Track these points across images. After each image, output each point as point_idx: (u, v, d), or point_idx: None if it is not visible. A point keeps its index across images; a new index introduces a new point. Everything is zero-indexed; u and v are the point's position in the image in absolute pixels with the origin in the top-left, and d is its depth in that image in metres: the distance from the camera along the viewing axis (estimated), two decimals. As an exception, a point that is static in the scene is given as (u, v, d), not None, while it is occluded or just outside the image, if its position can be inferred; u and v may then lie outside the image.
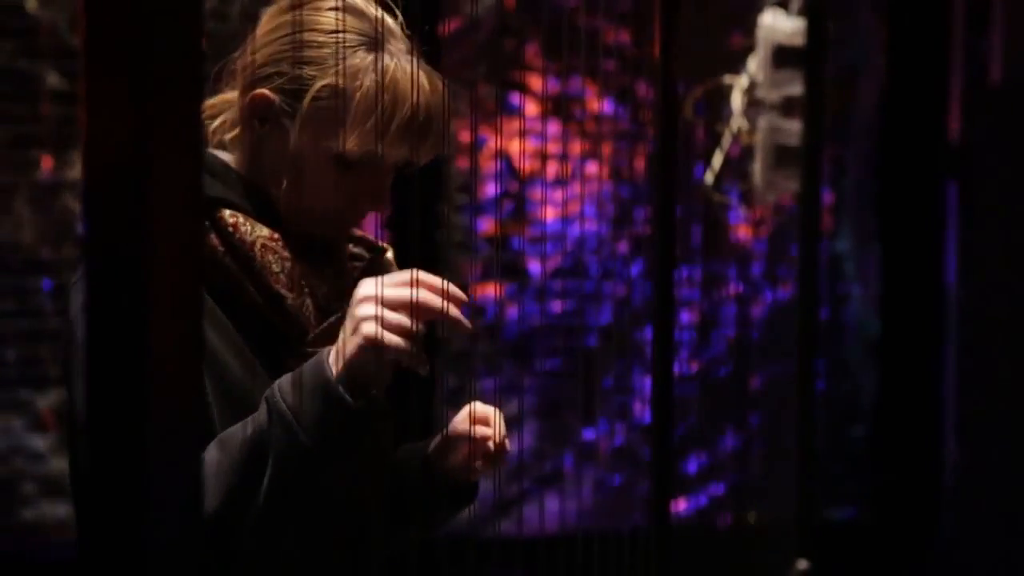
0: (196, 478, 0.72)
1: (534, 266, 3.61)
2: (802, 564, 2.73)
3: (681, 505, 3.56)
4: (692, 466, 3.56)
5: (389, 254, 1.63)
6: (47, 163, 3.34)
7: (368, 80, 1.47)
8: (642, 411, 3.60)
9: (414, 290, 1.37)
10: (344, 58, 1.47)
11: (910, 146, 3.88)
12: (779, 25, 2.83)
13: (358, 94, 1.46)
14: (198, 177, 0.69)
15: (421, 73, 1.49)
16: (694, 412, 3.39)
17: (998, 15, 3.78)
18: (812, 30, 2.73)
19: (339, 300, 1.51)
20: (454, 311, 1.39)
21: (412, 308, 1.36)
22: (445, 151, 1.57)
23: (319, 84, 1.47)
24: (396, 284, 1.38)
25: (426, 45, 1.54)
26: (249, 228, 1.49)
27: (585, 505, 3.59)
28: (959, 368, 3.85)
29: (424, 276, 1.39)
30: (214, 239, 1.48)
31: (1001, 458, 3.75)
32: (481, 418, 1.60)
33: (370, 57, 1.48)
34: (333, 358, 1.38)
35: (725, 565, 2.94)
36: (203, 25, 0.68)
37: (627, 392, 3.62)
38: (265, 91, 1.50)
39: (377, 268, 1.58)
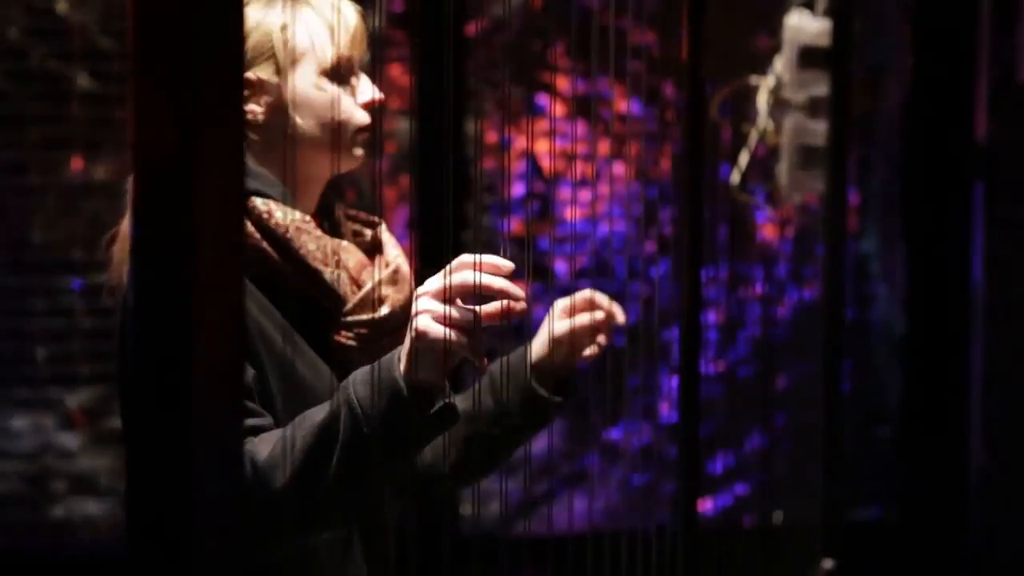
0: (238, 461, 0.74)
1: (560, 266, 3.62)
2: (827, 564, 2.74)
3: (707, 505, 3.57)
4: (718, 466, 3.56)
5: (383, 227, 1.73)
6: (77, 164, 3.36)
7: (305, 8, 1.64)
8: (667, 411, 3.61)
9: (450, 276, 1.44)
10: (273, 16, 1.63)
11: (936, 146, 3.87)
12: (805, 26, 2.83)
13: (308, 20, 1.63)
14: (240, 175, 0.71)
15: None
16: (720, 412, 3.40)
17: (1025, 14, 3.78)
18: (838, 30, 2.73)
19: (365, 270, 1.63)
20: (499, 283, 1.45)
21: (447, 293, 1.43)
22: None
23: (277, 29, 1.63)
24: (451, 272, 1.45)
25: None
26: (282, 213, 1.60)
27: (610, 504, 3.60)
28: (985, 368, 3.84)
29: (473, 257, 1.46)
30: (250, 228, 1.58)
31: (1027, 458, 3.74)
32: (583, 305, 1.76)
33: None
34: (403, 356, 1.45)
35: (750, 565, 2.94)
36: (243, 31, 0.70)
37: (652, 392, 3.62)
38: (248, 74, 1.62)
39: (378, 241, 1.70)
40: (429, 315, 1.43)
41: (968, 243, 3.85)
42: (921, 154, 3.89)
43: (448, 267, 1.45)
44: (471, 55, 3.31)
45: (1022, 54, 3.78)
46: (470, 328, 1.43)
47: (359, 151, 1.68)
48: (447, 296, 1.43)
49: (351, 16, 1.66)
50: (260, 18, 1.63)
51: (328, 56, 1.64)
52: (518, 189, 3.59)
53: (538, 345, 1.78)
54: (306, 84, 1.63)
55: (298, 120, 1.63)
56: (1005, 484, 3.79)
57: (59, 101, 3.34)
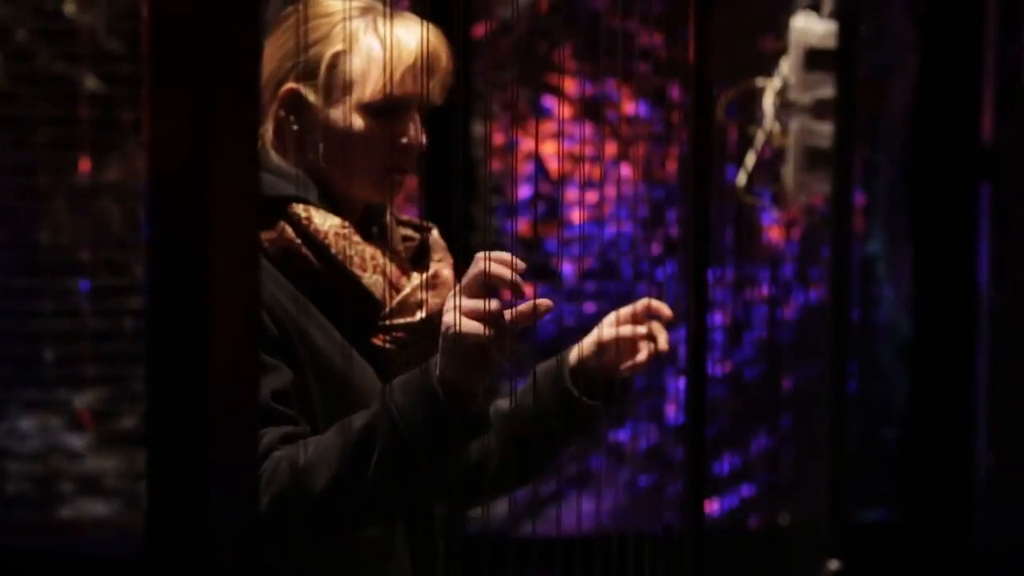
0: (252, 461, 0.75)
1: (567, 267, 3.62)
2: (833, 565, 2.74)
3: (713, 506, 3.57)
4: (724, 467, 3.56)
5: (435, 232, 1.75)
6: (85, 165, 3.37)
7: (370, 36, 1.63)
8: (673, 412, 3.61)
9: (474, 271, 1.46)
10: (346, 23, 1.62)
11: (942, 148, 3.88)
12: (811, 28, 2.84)
13: (365, 50, 1.62)
14: (255, 180, 0.72)
15: (415, 21, 1.64)
16: (726, 413, 3.40)
17: (1031, 16, 3.78)
18: (844, 32, 2.73)
19: (405, 276, 1.65)
20: (515, 277, 1.47)
21: (475, 287, 1.45)
22: (451, 89, 1.71)
23: (330, 52, 1.62)
24: (472, 281, 1.47)
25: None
26: (321, 219, 1.62)
27: (615, 505, 3.61)
28: (991, 369, 3.84)
29: (492, 253, 1.47)
30: (290, 233, 1.61)
31: (1033, 460, 3.75)
32: (629, 316, 1.76)
33: (366, 19, 1.64)
34: (440, 362, 1.47)
35: (756, 565, 2.95)
36: (260, 38, 0.71)
37: (658, 393, 3.63)
38: (290, 85, 1.63)
39: (426, 246, 1.72)
40: (455, 312, 1.44)
41: (974, 245, 3.85)
42: (927, 156, 3.90)
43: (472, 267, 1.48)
44: (479, 57, 3.31)
45: (1028, 56, 3.78)
46: (495, 321, 1.45)
47: (390, 186, 1.68)
48: (474, 291, 1.45)
49: (409, 48, 1.63)
50: (324, 35, 1.63)
51: (374, 91, 1.63)
52: (525, 191, 3.60)
53: (577, 349, 1.78)
54: (343, 114, 1.63)
55: (322, 146, 1.64)
56: (1010, 485, 3.79)
57: (67, 103, 3.35)
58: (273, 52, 1.66)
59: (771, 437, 3.60)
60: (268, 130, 1.67)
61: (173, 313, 0.73)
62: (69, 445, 3.39)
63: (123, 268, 3.37)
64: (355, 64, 1.62)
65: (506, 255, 1.47)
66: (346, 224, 1.63)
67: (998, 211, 3.82)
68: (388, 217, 1.71)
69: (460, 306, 1.45)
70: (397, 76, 1.62)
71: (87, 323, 3.37)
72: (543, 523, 3.38)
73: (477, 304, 1.45)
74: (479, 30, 3.31)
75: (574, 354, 1.77)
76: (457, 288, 1.47)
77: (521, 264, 1.48)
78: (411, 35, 1.63)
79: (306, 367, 1.57)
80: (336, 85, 1.62)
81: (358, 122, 1.63)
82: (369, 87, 1.63)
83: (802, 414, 3.49)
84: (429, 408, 1.45)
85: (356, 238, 1.63)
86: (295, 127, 1.64)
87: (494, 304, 1.46)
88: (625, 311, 1.77)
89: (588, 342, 1.77)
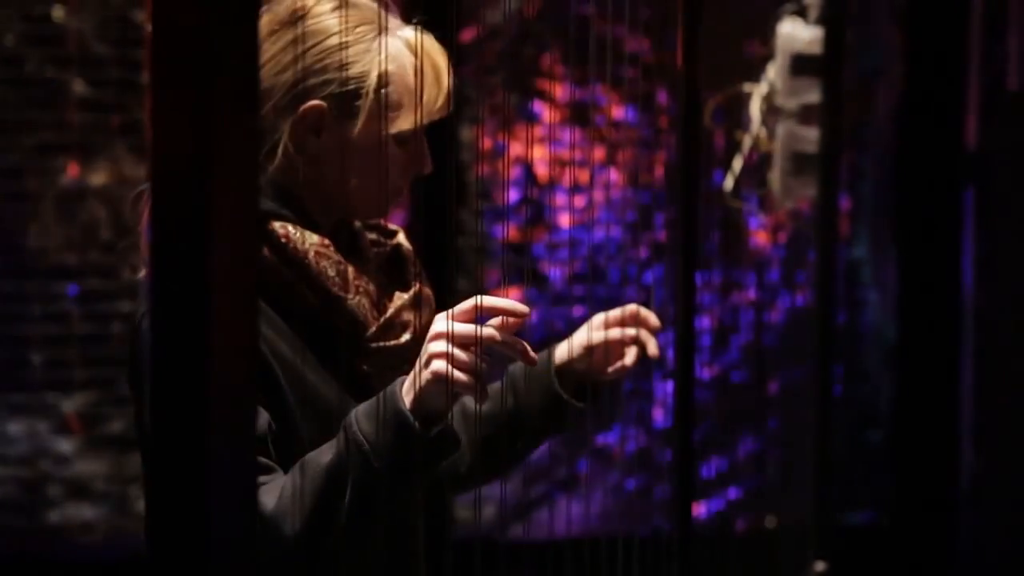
0: (252, 472, 0.75)
1: (555, 272, 3.63)
2: (820, 567, 2.75)
3: (700, 509, 3.58)
4: (710, 470, 3.58)
5: (401, 235, 1.70)
6: (73, 170, 3.37)
7: (407, 60, 1.57)
8: (660, 416, 3.63)
9: (479, 328, 1.43)
10: (376, 47, 1.56)
11: (927, 152, 3.90)
12: (797, 33, 2.85)
13: (407, 75, 1.56)
14: (255, 190, 0.73)
15: (432, 41, 1.59)
16: (713, 416, 3.41)
17: (1015, 21, 3.80)
18: (830, 38, 2.75)
19: (385, 293, 1.60)
20: (519, 345, 1.46)
21: (479, 343, 1.43)
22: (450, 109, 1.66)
23: (374, 76, 1.55)
24: (464, 316, 1.44)
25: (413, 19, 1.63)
26: (301, 237, 1.56)
27: (603, 509, 3.62)
28: (976, 372, 3.86)
29: (489, 302, 1.45)
30: (265, 251, 1.54)
31: (1018, 462, 3.76)
32: (617, 320, 1.74)
33: (397, 41, 1.58)
34: (406, 388, 1.44)
35: (743, 568, 2.96)
36: (258, 48, 0.72)
37: (645, 397, 3.64)
38: (316, 102, 1.55)
39: (399, 256, 1.67)
40: (443, 359, 1.41)
41: (959, 249, 3.87)
42: (912, 161, 3.92)
43: (461, 308, 1.45)
44: (467, 62, 3.32)
45: (1012, 61, 3.80)
46: (479, 371, 1.43)
47: (392, 206, 1.66)
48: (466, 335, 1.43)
49: (444, 80, 1.59)
50: (361, 52, 1.56)
51: (411, 120, 1.57)
52: (513, 195, 3.61)
53: (563, 349, 1.77)
54: (367, 136, 1.56)
55: (329, 166, 1.57)
56: (995, 488, 3.81)
57: (55, 107, 3.35)
58: (283, 61, 1.57)
59: (758, 440, 3.62)
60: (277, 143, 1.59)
61: (173, 313, 0.74)
62: (57, 449, 3.38)
63: (111, 272, 3.37)
64: (398, 93, 1.56)
65: (503, 303, 1.45)
66: (327, 242, 1.57)
67: (982, 215, 3.84)
68: (356, 224, 1.67)
69: (452, 354, 1.41)
70: (435, 107, 1.58)
71: (75, 327, 3.37)
72: (532, 527, 3.39)
73: (470, 359, 1.42)
74: (468, 35, 3.32)
75: (560, 354, 1.77)
76: (450, 331, 1.42)
77: (524, 310, 1.46)
78: (444, 61, 1.59)
79: (288, 394, 1.52)
80: (377, 109, 1.55)
81: (388, 151, 1.56)
82: (407, 117, 1.57)
83: (788, 417, 3.50)
84: (403, 439, 1.42)
85: (337, 257, 1.57)
86: (311, 145, 1.57)
87: (486, 331, 1.43)
88: (613, 314, 1.77)
89: (577, 344, 1.76)
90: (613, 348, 1.76)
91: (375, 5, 1.60)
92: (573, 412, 1.76)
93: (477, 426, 1.60)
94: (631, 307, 1.78)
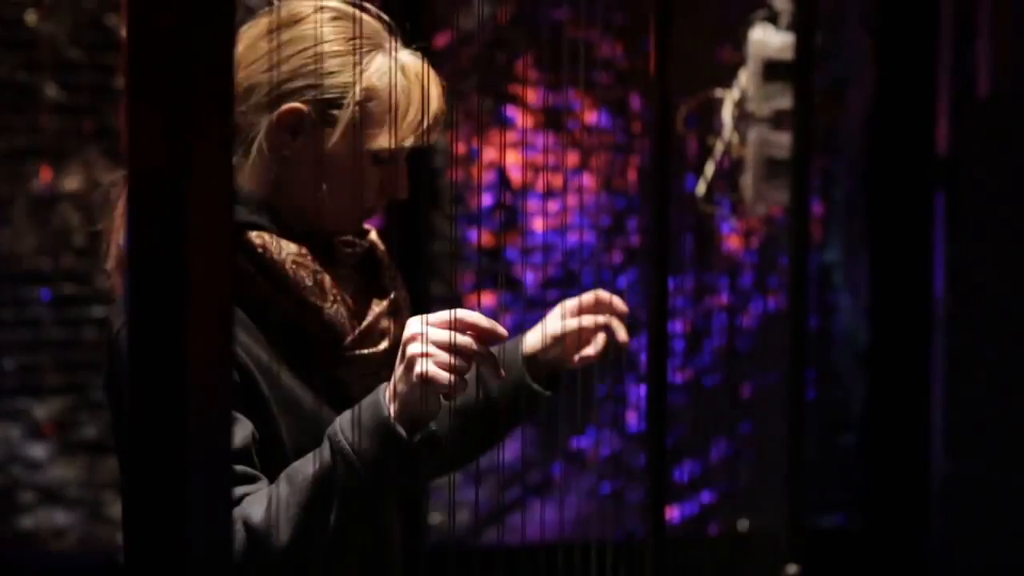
0: (228, 481, 0.76)
1: (529, 276, 3.64)
2: (792, 570, 2.76)
3: (673, 512, 3.59)
4: (683, 474, 3.59)
5: (373, 234, 1.69)
6: (46, 174, 3.36)
7: (396, 78, 1.55)
8: (634, 419, 3.64)
9: (455, 334, 1.43)
10: (366, 61, 1.55)
11: (898, 157, 3.92)
12: (769, 39, 2.86)
13: (393, 92, 1.54)
14: (230, 195, 0.73)
15: (429, 68, 1.57)
16: (686, 420, 3.42)
17: (985, 27, 3.83)
18: (801, 44, 2.76)
19: (362, 299, 1.59)
20: (490, 360, 1.46)
21: (454, 349, 1.42)
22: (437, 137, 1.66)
23: (358, 88, 1.54)
24: (441, 324, 1.44)
25: (414, 44, 1.62)
26: (277, 246, 1.55)
27: (575, 513, 3.62)
28: (947, 375, 3.89)
29: (463, 316, 1.45)
30: (243, 261, 1.53)
31: (988, 465, 3.79)
32: (586, 306, 1.74)
33: (390, 60, 1.56)
34: (389, 395, 1.44)
35: (716, 571, 2.97)
36: (233, 54, 0.72)
37: (618, 401, 3.65)
38: (296, 104, 1.55)
39: (373, 258, 1.66)
40: (423, 360, 1.41)
41: (930, 253, 3.89)
42: (883, 165, 3.94)
43: (436, 316, 1.44)
44: (440, 67, 3.32)
45: (982, 67, 3.83)
46: (458, 370, 1.43)
47: (364, 222, 1.64)
48: (441, 338, 1.42)
49: (435, 107, 1.57)
50: (350, 64, 1.54)
51: (389, 141, 1.55)
52: (487, 200, 3.61)
53: (533, 338, 1.77)
54: (345, 150, 1.55)
55: (299, 176, 1.56)
56: (966, 491, 3.83)
57: (28, 112, 3.34)
58: (263, 64, 1.55)
59: (730, 444, 3.63)
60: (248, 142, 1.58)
61: (151, 319, 0.75)
62: (30, 455, 3.37)
63: (84, 277, 3.36)
64: (379, 110, 1.54)
65: (477, 318, 1.44)
66: (303, 251, 1.56)
67: (953, 219, 3.87)
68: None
69: (439, 357, 1.41)
70: (418, 132, 1.56)
71: (47, 332, 3.36)
72: (506, 531, 3.39)
73: (450, 359, 1.42)
74: (441, 40, 3.32)
75: (530, 343, 1.76)
76: (425, 334, 1.42)
77: (501, 331, 1.46)
78: (438, 90, 1.58)
79: (270, 403, 1.52)
80: (351, 122, 1.54)
81: (363, 167, 1.55)
82: (385, 136, 1.55)
83: (760, 421, 3.52)
84: (388, 446, 1.42)
85: (315, 266, 1.56)
86: (286, 149, 1.56)
87: (462, 339, 1.43)
88: (584, 300, 1.77)
89: (548, 333, 1.76)
90: (582, 335, 1.76)
91: (378, 25, 1.60)
92: (543, 401, 1.76)
93: (451, 416, 1.60)
94: (598, 292, 1.78)
